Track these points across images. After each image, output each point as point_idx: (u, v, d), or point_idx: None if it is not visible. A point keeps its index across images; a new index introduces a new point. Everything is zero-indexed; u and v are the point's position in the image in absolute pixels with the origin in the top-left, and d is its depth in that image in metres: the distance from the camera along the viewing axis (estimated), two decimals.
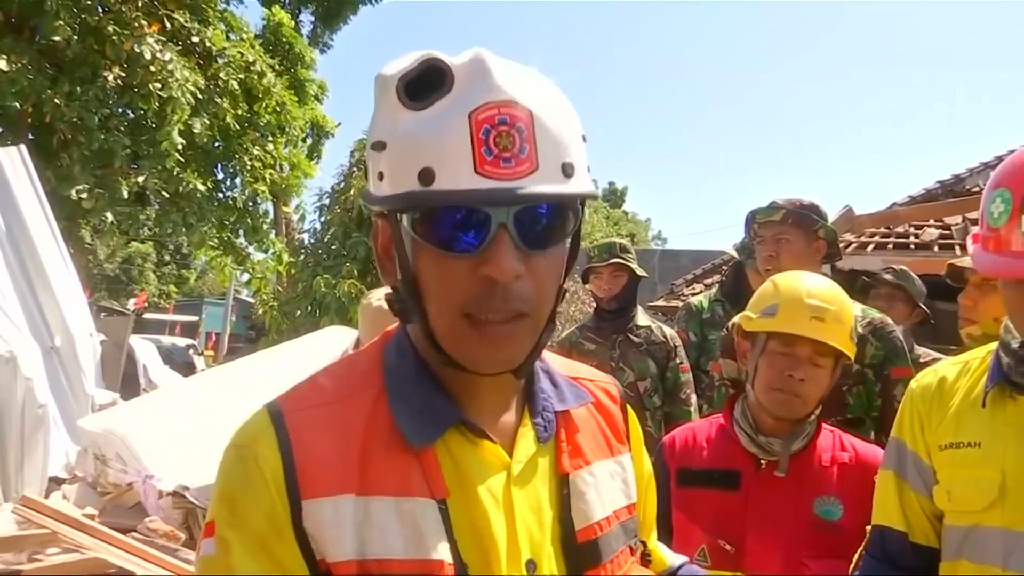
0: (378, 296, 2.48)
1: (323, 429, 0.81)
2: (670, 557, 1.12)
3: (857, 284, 3.53)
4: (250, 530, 0.78)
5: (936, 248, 6.81)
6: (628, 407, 1.04)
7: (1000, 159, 9.60)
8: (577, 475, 0.90)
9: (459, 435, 0.84)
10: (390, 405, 0.83)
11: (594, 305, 3.54)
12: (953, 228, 7.12)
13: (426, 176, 0.74)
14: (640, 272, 3.41)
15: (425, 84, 0.76)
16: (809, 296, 1.76)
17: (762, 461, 1.76)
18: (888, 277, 3.49)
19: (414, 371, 0.86)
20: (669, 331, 3.46)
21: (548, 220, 0.79)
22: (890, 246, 7.18)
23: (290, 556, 0.77)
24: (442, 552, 0.78)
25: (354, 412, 0.83)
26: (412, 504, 0.79)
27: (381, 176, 0.79)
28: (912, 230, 7.55)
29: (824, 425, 1.82)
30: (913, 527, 1.42)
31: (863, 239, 7.44)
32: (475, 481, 0.82)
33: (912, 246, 7.10)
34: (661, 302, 11.49)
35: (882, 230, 7.69)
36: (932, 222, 7.53)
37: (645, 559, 1.00)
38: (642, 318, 3.45)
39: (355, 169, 14.33)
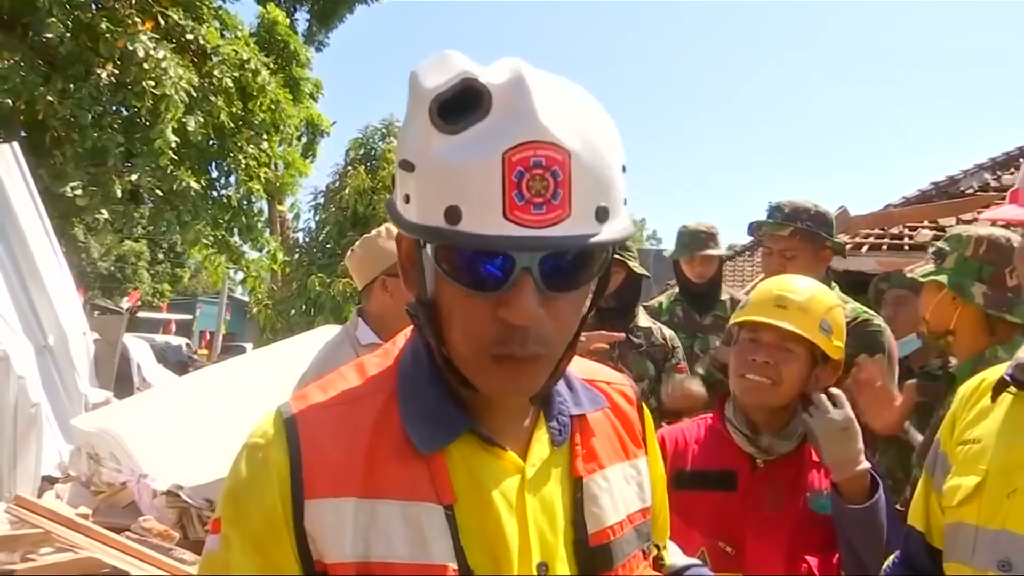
0: (356, 244, 2.53)
1: (332, 430, 0.82)
2: (673, 556, 1.11)
3: (870, 291, 3.52)
4: (250, 530, 0.80)
5: (930, 249, 6.83)
6: (645, 409, 1.04)
7: (994, 160, 9.65)
8: (591, 479, 0.90)
9: (472, 440, 0.84)
10: (400, 410, 0.84)
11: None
12: (947, 229, 7.13)
13: (453, 215, 0.71)
14: (639, 270, 3.36)
15: (460, 105, 0.72)
16: (778, 288, 1.82)
17: (758, 460, 1.76)
18: (886, 285, 3.46)
19: (428, 377, 0.86)
20: (670, 333, 3.42)
21: (575, 264, 0.76)
22: (884, 247, 7.21)
23: (285, 559, 0.79)
24: (446, 557, 0.79)
25: (364, 414, 0.83)
26: (418, 509, 0.80)
27: (408, 199, 0.76)
28: (906, 231, 7.58)
29: None
30: (932, 529, 1.40)
31: (858, 240, 7.47)
32: (488, 485, 0.83)
33: (906, 247, 7.13)
34: (654, 303, 11.47)
35: (876, 231, 7.72)
36: (926, 223, 7.56)
37: (658, 563, 1.00)
38: (644, 320, 3.41)
39: (350, 168, 14.34)
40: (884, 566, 1.57)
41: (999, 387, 1.29)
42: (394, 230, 1.11)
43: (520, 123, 0.71)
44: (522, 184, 0.70)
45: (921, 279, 2.21)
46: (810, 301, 1.78)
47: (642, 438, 1.01)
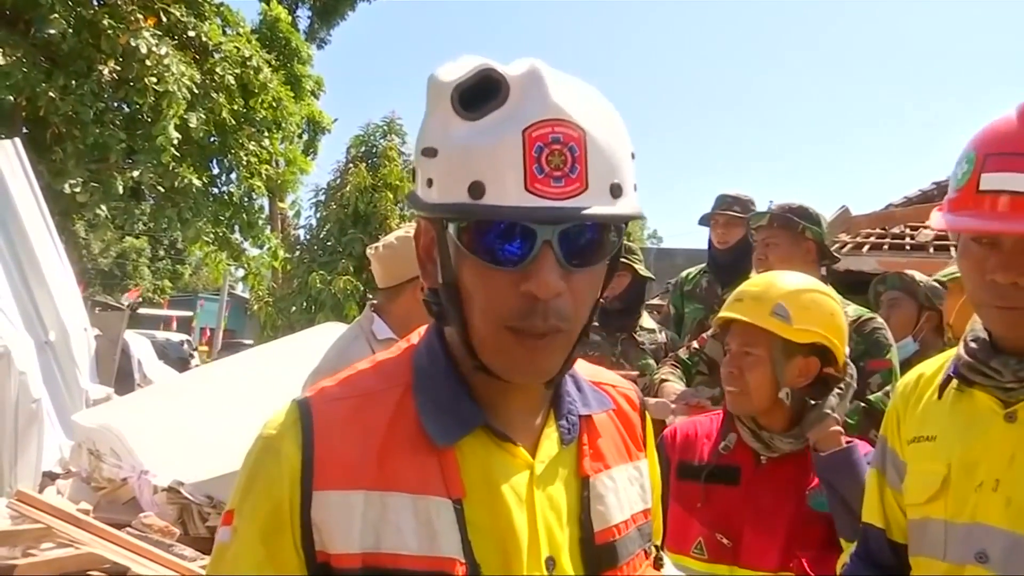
0: (385, 241, 2.50)
1: (346, 422, 0.83)
2: (667, 569, 1.13)
3: (870, 293, 3.52)
4: (257, 523, 0.82)
5: (931, 249, 6.83)
6: (647, 414, 1.06)
7: None
8: (597, 478, 0.92)
9: (484, 436, 0.85)
10: (416, 404, 0.85)
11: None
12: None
13: (476, 189, 0.75)
14: (644, 273, 3.39)
15: (479, 94, 0.76)
16: (745, 284, 1.88)
17: (762, 457, 1.79)
18: (883, 288, 3.46)
19: (443, 372, 0.87)
20: (671, 334, 3.49)
21: (592, 239, 0.80)
22: (886, 247, 7.19)
23: (286, 551, 0.81)
24: (454, 551, 0.80)
25: (379, 407, 0.85)
26: (427, 502, 0.81)
27: (430, 183, 0.79)
28: (908, 231, 7.56)
29: None
30: (891, 524, 1.44)
31: (859, 240, 7.45)
32: (498, 481, 0.84)
33: (908, 247, 7.11)
34: (656, 300, 11.47)
35: (878, 231, 7.70)
36: (928, 223, 7.53)
37: (658, 563, 1.02)
38: (648, 321, 3.45)
39: (351, 165, 14.31)
40: (841, 564, 1.59)
41: (944, 384, 1.34)
42: None
43: (537, 104, 0.75)
44: (542, 158, 0.74)
45: (946, 279, 2.20)
46: (766, 289, 1.80)
47: (643, 441, 1.03)
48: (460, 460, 0.83)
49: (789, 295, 1.78)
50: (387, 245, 2.46)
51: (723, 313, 1.85)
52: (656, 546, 1.02)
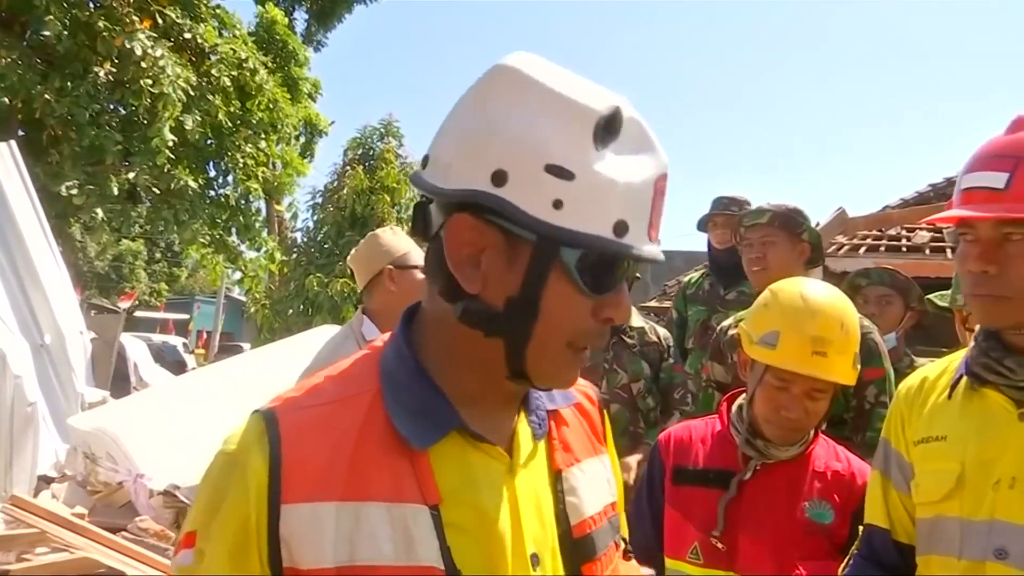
0: (362, 242, 2.62)
1: (315, 431, 0.81)
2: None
3: (844, 285, 3.50)
4: (224, 543, 0.79)
5: (928, 251, 6.85)
6: (604, 410, 1.08)
7: None
8: (569, 471, 0.93)
9: (459, 438, 0.84)
10: (387, 408, 0.83)
11: None
12: (945, 231, 7.14)
13: (621, 228, 0.80)
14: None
15: (607, 128, 0.81)
16: (813, 323, 1.68)
17: (756, 464, 1.77)
18: (866, 282, 3.43)
19: (413, 375, 0.86)
20: (663, 332, 3.46)
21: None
22: (882, 248, 7.21)
23: (251, 569, 0.78)
24: (432, 558, 0.79)
25: (348, 414, 0.83)
26: (403, 510, 0.79)
27: (559, 204, 0.78)
28: (904, 232, 7.58)
29: (820, 435, 1.83)
30: (896, 525, 1.46)
31: (855, 241, 7.47)
32: (478, 482, 0.84)
33: (904, 248, 7.13)
34: (654, 303, 11.47)
35: (874, 232, 7.72)
36: (924, 225, 7.55)
37: (627, 555, 1.03)
38: (636, 320, 3.43)
39: (348, 168, 14.32)
40: (843, 566, 1.58)
41: (955, 384, 1.37)
42: (398, 229, 1.15)
43: (656, 155, 0.84)
44: (658, 207, 0.84)
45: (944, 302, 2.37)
46: (846, 339, 1.70)
47: (603, 436, 1.05)
48: (435, 465, 0.82)
49: (858, 339, 1.76)
50: (355, 249, 2.62)
51: (805, 371, 1.67)
52: (624, 539, 1.03)
